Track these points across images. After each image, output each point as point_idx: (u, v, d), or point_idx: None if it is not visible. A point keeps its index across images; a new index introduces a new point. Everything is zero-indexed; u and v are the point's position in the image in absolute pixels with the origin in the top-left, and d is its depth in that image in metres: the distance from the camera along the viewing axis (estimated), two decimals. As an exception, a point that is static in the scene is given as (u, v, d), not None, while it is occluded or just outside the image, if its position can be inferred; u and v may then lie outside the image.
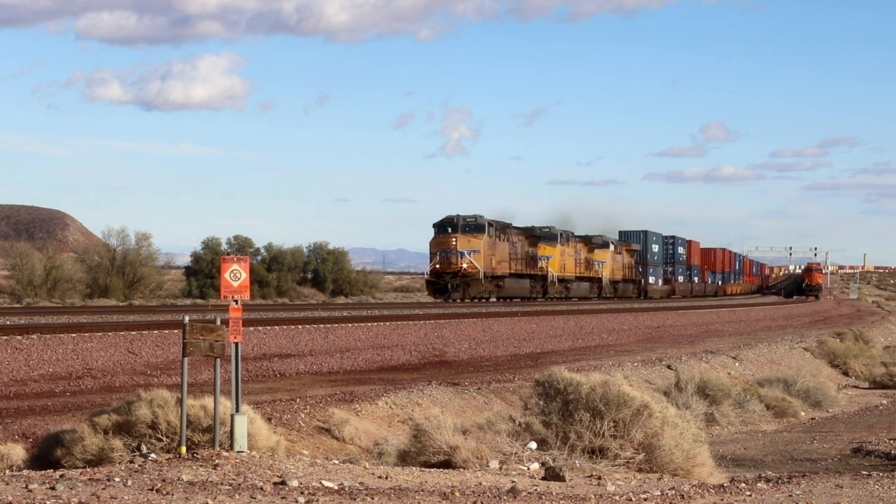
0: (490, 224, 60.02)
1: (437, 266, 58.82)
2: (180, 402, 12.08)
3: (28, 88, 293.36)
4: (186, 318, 12.33)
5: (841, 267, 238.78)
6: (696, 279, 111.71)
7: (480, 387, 20.99)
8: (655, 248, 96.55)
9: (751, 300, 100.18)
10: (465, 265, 57.91)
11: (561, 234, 72.09)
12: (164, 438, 12.20)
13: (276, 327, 27.97)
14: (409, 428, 15.26)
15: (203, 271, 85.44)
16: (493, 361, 27.57)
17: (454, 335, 32.13)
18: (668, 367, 27.88)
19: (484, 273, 58.57)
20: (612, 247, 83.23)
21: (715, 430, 21.39)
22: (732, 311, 63.90)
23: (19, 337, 21.66)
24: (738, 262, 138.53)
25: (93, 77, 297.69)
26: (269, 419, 15.01)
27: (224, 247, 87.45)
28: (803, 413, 25.23)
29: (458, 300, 57.64)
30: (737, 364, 32.44)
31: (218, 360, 12.35)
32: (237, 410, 12.16)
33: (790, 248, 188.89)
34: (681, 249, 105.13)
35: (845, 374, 37.00)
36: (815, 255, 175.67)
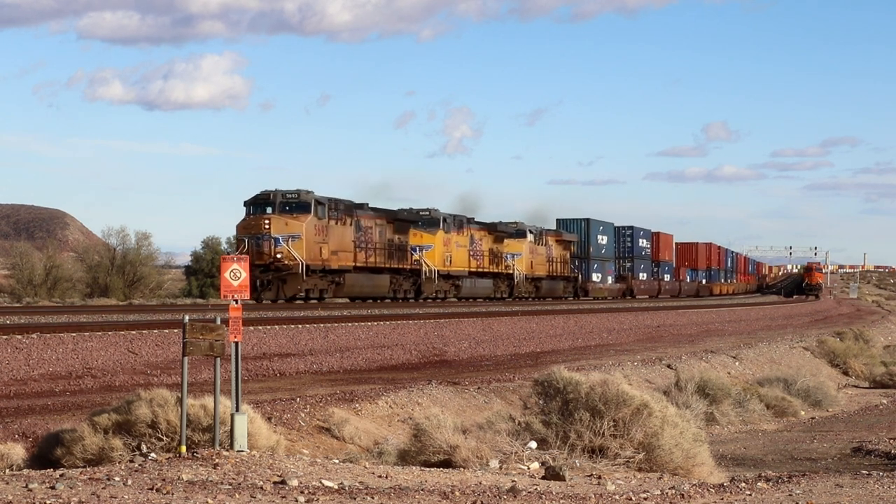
0: (320, 202, 47.24)
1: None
2: (180, 401, 12.08)
3: (29, 88, 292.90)
4: (186, 318, 12.33)
5: (841, 266, 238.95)
6: (666, 277, 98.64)
7: (480, 386, 20.99)
8: (602, 239, 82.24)
9: (750, 300, 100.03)
10: (278, 255, 45.38)
11: (446, 219, 58.30)
12: (164, 438, 12.21)
13: (276, 327, 27.97)
14: (409, 427, 15.27)
15: (203, 271, 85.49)
16: (493, 361, 27.58)
17: (454, 335, 32.14)
18: (668, 366, 27.89)
19: (308, 265, 45.80)
20: (530, 236, 68.17)
21: (715, 429, 21.40)
22: (732, 311, 63.95)
23: (19, 336, 21.65)
24: (729, 259, 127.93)
25: (94, 77, 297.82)
26: (269, 419, 15.02)
27: (224, 246, 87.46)
28: (803, 412, 25.24)
29: (272, 301, 45.24)
30: (737, 363, 32.45)
31: (218, 359, 12.35)
32: (237, 410, 12.16)
33: (790, 248, 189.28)
34: (643, 242, 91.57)
35: (845, 373, 37.04)
36: (815, 254, 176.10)
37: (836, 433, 21.00)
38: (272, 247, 45.39)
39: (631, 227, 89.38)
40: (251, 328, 25.71)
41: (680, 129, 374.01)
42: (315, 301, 46.49)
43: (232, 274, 12.65)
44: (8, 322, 25.42)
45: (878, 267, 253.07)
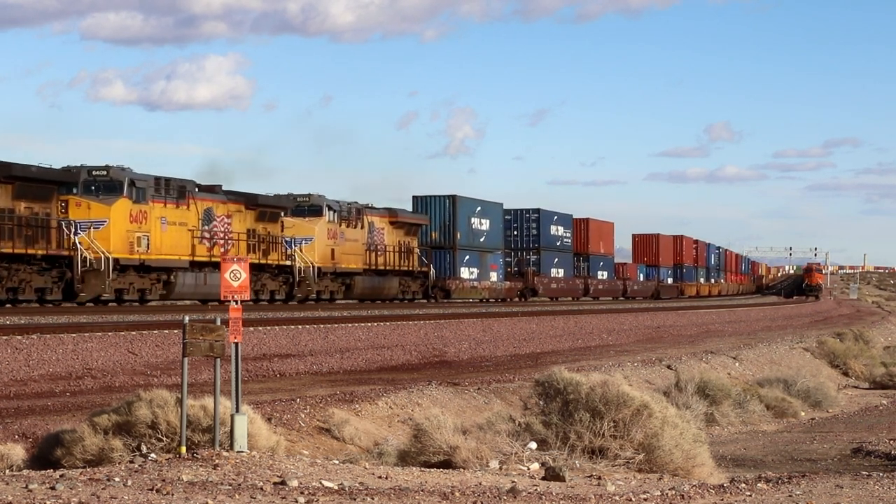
0: None
1: None
2: (180, 402, 12.08)
3: (33, 89, 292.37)
4: (186, 318, 12.32)
5: (841, 267, 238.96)
6: (601, 274, 79.74)
7: (480, 387, 20.99)
8: (481, 224, 62.50)
9: (751, 300, 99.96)
10: None
11: (136, 183, 38.72)
12: (164, 438, 12.20)
13: (276, 327, 27.99)
14: (409, 428, 15.27)
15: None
16: (493, 361, 27.58)
17: (454, 335, 32.15)
18: (668, 367, 27.89)
19: None
20: (330, 214, 49.89)
21: (715, 430, 21.39)
22: (732, 312, 64.04)
23: (19, 337, 21.66)
24: (713, 256, 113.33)
25: (97, 77, 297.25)
26: (269, 419, 15.02)
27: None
28: (803, 413, 25.23)
29: None
30: (737, 364, 32.45)
31: (218, 360, 12.35)
32: (237, 410, 12.16)
33: (790, 248, 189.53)
34: (558, 230, 72.49)
35: (845, 374, 37.02)
36: (815, 255, 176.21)
37: (836, 434, 20.99)
38: None
39: (537, 210, 70.19)
40: (251, 329, 25.72)
41: (682, 130, 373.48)
42: None
43: (232, 275, 12.64)
44: (8, 322, 25.43)
45: (878, 268, 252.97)
